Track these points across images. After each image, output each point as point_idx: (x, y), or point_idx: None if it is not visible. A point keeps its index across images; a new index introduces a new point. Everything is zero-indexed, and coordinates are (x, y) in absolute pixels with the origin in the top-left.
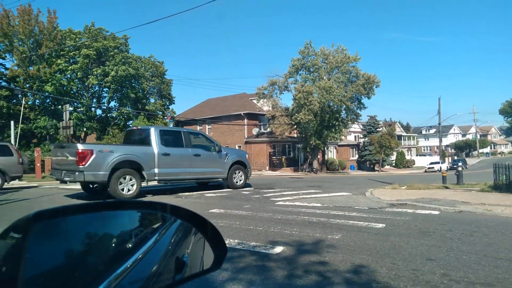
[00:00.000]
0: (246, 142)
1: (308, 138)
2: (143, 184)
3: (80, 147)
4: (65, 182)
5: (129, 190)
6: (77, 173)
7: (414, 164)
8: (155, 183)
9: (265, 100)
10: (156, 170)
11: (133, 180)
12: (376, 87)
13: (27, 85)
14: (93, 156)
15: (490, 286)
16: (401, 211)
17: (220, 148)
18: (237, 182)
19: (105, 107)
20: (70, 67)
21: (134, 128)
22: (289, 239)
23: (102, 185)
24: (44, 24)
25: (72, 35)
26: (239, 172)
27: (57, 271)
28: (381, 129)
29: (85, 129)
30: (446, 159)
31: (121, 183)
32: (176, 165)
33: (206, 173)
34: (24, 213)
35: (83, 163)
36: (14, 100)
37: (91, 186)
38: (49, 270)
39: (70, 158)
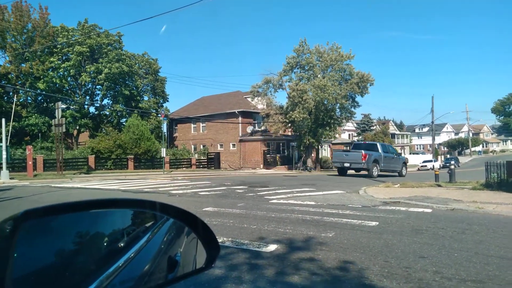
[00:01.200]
0: (241, 140)
1: (302, 137)
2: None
3: (363, 152)
4: (349, 169)
5: (375, 172)
6: (361, 164)
7: (407, 162)
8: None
9: (259, 98)
10: (382, 164)
11: (376, 168)
12: (370, 86)
13: (19, 82)
14: (367, 156)
15: (481, 283)
16: (394, 209)
17: (398, 153)
18: (403, 173)
19: (98, 105)
20: (63, 64)
21: (362, 142)
22: (283, 237)
23: (365, 170)
24: (37, 20)
25: (64, 32)
26: (404, 167)
27: (47, 270)
28: (375, 127)
29: (78, 127)
30: (439, 157)
31: (373, 170)
32: (387, 162)
33: (394, 167)
34: (16, 212)
35: (364, 159)
36: (6, 97)
37: (356, 172)
38: (39, 269)
39: (357, 157)
